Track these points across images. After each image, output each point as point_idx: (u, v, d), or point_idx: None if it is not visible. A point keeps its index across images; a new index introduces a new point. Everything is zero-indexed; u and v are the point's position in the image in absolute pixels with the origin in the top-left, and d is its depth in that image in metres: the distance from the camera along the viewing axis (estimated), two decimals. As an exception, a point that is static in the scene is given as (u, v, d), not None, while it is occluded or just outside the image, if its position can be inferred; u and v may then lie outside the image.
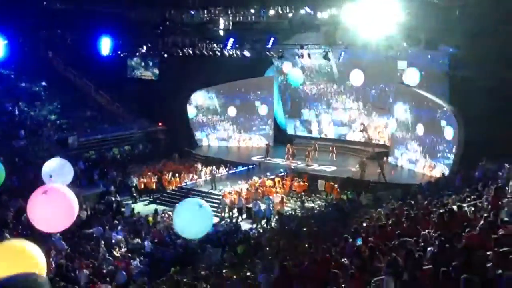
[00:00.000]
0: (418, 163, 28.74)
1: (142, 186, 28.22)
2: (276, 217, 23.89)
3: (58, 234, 18.06)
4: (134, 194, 27.56)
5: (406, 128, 29.38)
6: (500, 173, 16.62)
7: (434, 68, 30.04)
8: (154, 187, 28.38)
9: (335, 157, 31.37)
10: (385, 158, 29.64)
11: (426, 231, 10.29)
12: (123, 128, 35.61)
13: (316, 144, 32.60)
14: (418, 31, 25.97)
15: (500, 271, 6.56)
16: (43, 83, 36.02)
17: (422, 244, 9.37)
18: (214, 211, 22.30)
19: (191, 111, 35.67)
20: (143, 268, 17.19)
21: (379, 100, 32.76)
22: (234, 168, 30.14)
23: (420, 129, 28.42)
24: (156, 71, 37.22)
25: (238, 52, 31.24)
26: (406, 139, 29.46)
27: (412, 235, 10.01)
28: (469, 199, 13.70)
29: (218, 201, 25.12)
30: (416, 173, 28.39)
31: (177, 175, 29.10)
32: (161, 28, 33.16)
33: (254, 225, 23.50)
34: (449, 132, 26.47)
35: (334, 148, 31.88)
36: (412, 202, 15.63)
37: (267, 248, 17.23)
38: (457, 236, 8.74)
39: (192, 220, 8.92)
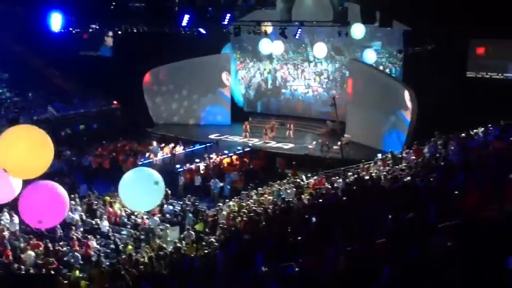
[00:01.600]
0: (373, 139, 29.20)
1: (99, 166, 27.77)
2: (235, 194, 23.95)
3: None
4: (89, 174, 27.08)
5: (360, 104, 29.75)
6: (452, 147, 17.05)
7: (389, 45, 30.69)
8: (109, 166, 27.95)
9: (292, 135, 31.57)
10: (345, 135, 29.97)
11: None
12: (77, 107, 34.83)
13: (274, 121, 32.74)
14: (372, 8, 26.20)
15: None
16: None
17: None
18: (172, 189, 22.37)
19: (147, 89, 35.10)
20: (101, 248, 17.07)
21: (335, 76, 33.31)
22: (192, 146, 30.00)
23: (374, 105, 28.86)
24: (110, 48, 36.39)
25: (194, 29, 30.80)
26: (361, 116, 29.87)
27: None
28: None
29: (177, 179, 24.97)
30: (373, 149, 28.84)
31: (134, 154, 28.73)
32: (114, 4, 32.29)
33: (212, 203, 23.50)
34: (403, 108, 26.98)
35: (291, 125, 32.07)
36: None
37: (225, 226, 17.30)
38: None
39: (142, 193, 8.80)
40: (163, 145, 29.73)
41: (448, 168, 12.29)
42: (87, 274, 14.13)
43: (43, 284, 12.29)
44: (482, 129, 18.18)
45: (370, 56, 31.07)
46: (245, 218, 16.17)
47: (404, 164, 18.24)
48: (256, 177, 25.94)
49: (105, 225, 18.85)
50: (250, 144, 30.19)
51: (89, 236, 17.22)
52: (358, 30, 26.86)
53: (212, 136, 32.09)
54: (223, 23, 30.47)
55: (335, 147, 28.14)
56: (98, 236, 18.09)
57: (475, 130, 18.42)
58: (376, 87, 28.70)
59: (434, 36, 26.52)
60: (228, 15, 30.18)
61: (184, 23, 30.25)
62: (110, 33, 34.42)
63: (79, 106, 34.89)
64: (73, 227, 18.23)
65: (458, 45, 26.82)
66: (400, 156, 21.13)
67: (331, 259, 8.10)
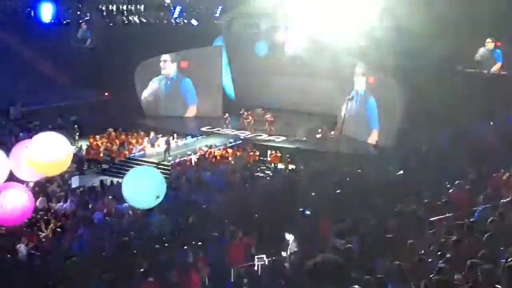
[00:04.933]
0: (362, 132, 29.40)
1: (91, 157, 27.77)
2: (226, 187, 24.02)
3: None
4: (82, 166, 27.05)
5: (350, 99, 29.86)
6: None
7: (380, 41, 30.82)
8: (101, 158, 27.96)
9: (273, 128, 31.53)
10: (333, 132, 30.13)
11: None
12: (68, 98, 34.66)
13: (263, 113, 32.67)
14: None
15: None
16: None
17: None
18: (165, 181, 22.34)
19: (138, 81, 34.99)
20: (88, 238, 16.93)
21: (327, 69, 33.40)
22: (184, 138, 30.03)
23: (364, 99, 29.10)
24: (101, 40, 36.15)
25: (185, 21, 30.80)
26: (352, 109, 30.02)
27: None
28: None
29: (169, 172, 25.03)
30: (362, 142, 29.05)
31: (126, 145, 28.73)
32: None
33: (204, 195, 23.53)
34: (393, 102, 27.18)
35: (273, 118, 31.96)
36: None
37: (218, 218, 17.36)
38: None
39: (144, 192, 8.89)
40: (160, 135, 29.69)
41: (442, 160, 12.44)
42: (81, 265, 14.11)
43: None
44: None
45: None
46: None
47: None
48: (248, 169, 26.02)
49: (97, 216, 18.82)
50: (241, 137, 30.24)
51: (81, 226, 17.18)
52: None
53: (204, 129, 32.10)
54: (215, 15, 30.53)
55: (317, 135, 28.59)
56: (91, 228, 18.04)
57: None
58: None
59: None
60: (220, 7, 30.23)
61: (175, 14, 30.28)
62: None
63: (69, 97, 34.70)
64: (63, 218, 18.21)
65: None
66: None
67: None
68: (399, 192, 11.93)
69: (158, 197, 8.57)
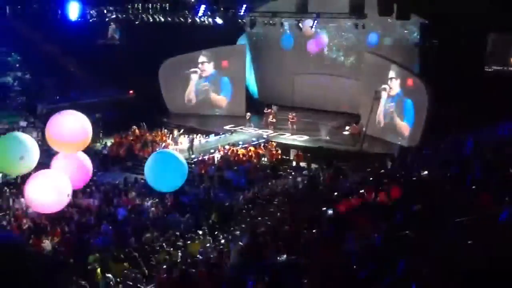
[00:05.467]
0: (386, 133, 29.15)
1: (114, 154, 28.05)
2: (249, 185, 24.07)
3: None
4: (106, 163, 27.36)
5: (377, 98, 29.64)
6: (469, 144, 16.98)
7: (405, 39, 30.56)
8: (125, 155, 28.21)
9: (295, 127, 31.38)
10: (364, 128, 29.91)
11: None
12: (92, 95, 35.04)
13: (277, 110, 32.54)
14: (390, 0, 26.05)
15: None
16: (10, 48, 35.06)
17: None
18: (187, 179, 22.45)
19: (162, 78, 35.20)
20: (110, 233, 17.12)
21: (351, 68, 33.32)
22: (207, 137, 30.13)
23: (390, 98, 28.82)
24: (126, 38, 36.50)
25: (209, 20, 30.88)
26: (377, 109, 29.80)
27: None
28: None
29: (192, 169, 25.12)
30: (388, 142, 28.77)
31: (149, 143, 28.93)
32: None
33: (227, 194, 23.62)
34: (418, 102, 26.88)
35: (294, 117, 31.72)
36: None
37: (239, 217, 17.42)
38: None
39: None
40: (182, 134, 29.83)
41: (465, 163, 12.26)
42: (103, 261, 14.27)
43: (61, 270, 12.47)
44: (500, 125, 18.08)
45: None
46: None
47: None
48: (270, 168, 26.04)
49: (121, 212, 19.04)
50: (265, 136, 30.21)
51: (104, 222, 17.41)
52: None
53: (227, 127, 32.16)
54: (239, 13, 30.55)
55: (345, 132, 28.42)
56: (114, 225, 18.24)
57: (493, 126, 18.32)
58: (390, 79, 28.67)
59: (452, 29, 26.27)
60: (244, 5, 30.23)
61: (200, 13, 30.40)
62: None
63: (94, 95, 35.10)
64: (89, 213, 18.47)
65: (477, 38, 26.57)
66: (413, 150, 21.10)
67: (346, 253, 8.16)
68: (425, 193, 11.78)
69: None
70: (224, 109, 35.34)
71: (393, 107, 28.78)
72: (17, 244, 1.90)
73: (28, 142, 13.95)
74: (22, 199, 18.73)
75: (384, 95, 29.02)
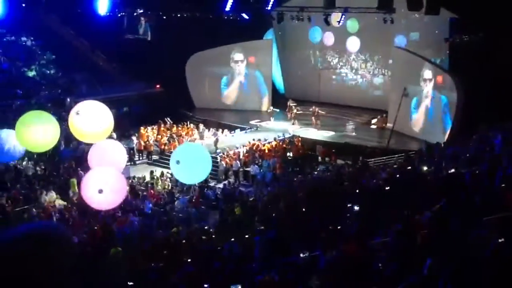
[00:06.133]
0: (414, 129, 28.82)
1: (142, 148, 28.31)
2: (274, 180, 24.03)
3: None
4: (133, 156, 27.61)
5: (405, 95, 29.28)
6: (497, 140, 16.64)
7: (434, 33, 30.07)
8: (152, 149, 28.45)
9: (319, 122, 31.19)
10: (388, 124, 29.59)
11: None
12: (120, 89, 35.37)
13: (315, 108, 32.42)
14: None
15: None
16: (40, 42, 35.59)
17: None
18: (212, 174, 22.54)
19: (189, 73, 35.35)
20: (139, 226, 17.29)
21: (378, 64, 33.01)
22: (233, 132, 30.17)
23: (418, 94, 28.47)
24: (153, 32, 36.69)
25: (237, 14, 30.81)
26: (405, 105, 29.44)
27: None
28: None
29: (217, 164, 25.19)
30: (414, 139, 28.45)
31: (175, 137, 29.10)
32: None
33: (251, 188, 23.64)
34: (447, 98, 26.50)
35: (317, 112, 31.46)
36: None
37: (265, 211, 17.38)
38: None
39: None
40: (209, 129, 29.95)
41: (495, 160, 12.00)
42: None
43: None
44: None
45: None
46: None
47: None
48: (296, 164, 25.95)
49: (148, 205, 19.21)
50: (290, 131, 30.11)
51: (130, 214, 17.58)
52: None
53: (253, 122, 32.15)
54: (266, 8, 30.39)
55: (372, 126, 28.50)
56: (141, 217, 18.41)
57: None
58: (419, 75, 28.31)
59: (483, 25, 25.75)
60: (272, 0, 30.05)
61: (227, 8, 30.32)
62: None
63: (122, 89, 35.42)
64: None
65: (508, 34, 25.96)
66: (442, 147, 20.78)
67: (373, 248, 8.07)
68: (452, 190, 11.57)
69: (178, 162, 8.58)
70: (249, 103, 35.34)
71: (422, 104, 28.44)
72: (66, 236, 1.90)
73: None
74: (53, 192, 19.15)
75: (413, 91, 28.65)
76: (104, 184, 8.56)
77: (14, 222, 16.77)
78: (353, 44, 33.42)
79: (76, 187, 20.11)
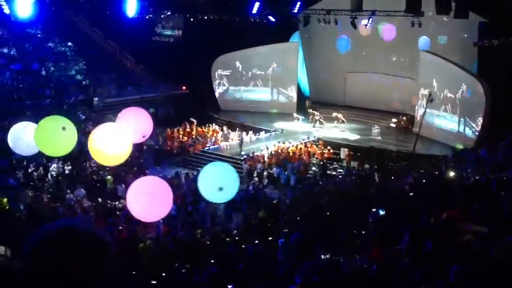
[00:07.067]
0: (442, 133, 28.48)
1: (168, 149, 28.53)
2: (298, 183, 23.98)
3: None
4: (158, 157, 27.83)
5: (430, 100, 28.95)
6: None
7: (462, 37, 29.69)
8: (177, 150, 28.63)
9: (342, 125, 31.18)
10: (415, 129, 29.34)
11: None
12: (147, 91, 35.76)
13: (337, 114, 32.24)
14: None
15: None
16: (69, 44, 36.20)
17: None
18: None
19: (215, 75, 35.55)
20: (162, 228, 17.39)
21: (404, 67, 32.76)
22: (257, 134, 30.20)
23: (445, 99, 28.15)
24: (181, 34, 37.05)
25: (263, 17, 30.85)
26: (433, 109, 29.11)
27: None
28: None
29: (241, 166, 25.24)
30: (440, 144, 28.11)
31: (200, 139, 29.25)
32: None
33: (276, 191, 23.62)
34: (475, 103, 26.15)
35: (340, 116, 31.55)
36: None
37: (289, 214, 17.39)
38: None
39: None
40: (233, 132, 30.06)
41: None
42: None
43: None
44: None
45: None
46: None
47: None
48: (320, 167, 25.87)
49: (173, 207, 19.31)
50: (315, 134, 30.01)
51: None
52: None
53: (277, 124, 32.13)
54: (293, 11, 30.38)
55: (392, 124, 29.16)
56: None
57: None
58: (447, 79, 28.03)
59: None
60: (299, 3, 30.02)
61: (254, 10, 30.40)
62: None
63: (149, 90, 35.80)
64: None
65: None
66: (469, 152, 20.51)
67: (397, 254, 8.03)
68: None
69: (221, 189, 8.32)
70: (275, 106, 35.40)
71: (448, 108, 28.11)
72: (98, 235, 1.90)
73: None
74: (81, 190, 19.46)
75: (439, 96, 28.35)
76: (153, 192, 8.12)
77: (45, 219, 17.01)
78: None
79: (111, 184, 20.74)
